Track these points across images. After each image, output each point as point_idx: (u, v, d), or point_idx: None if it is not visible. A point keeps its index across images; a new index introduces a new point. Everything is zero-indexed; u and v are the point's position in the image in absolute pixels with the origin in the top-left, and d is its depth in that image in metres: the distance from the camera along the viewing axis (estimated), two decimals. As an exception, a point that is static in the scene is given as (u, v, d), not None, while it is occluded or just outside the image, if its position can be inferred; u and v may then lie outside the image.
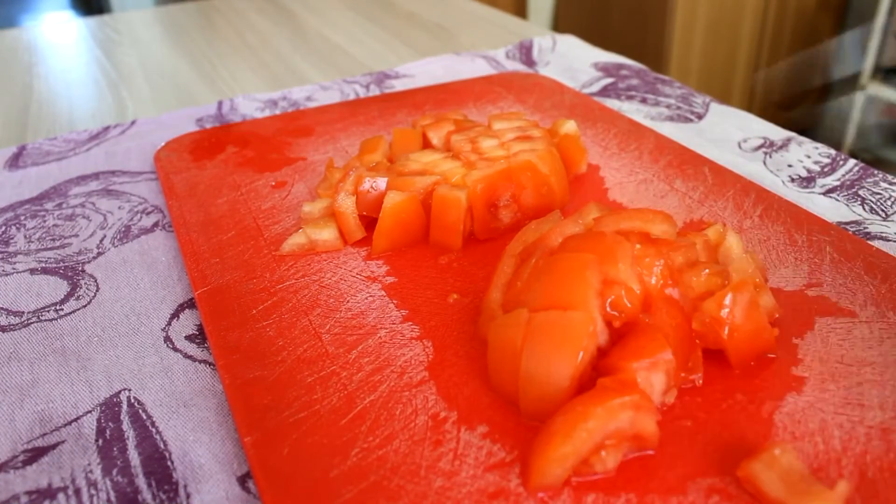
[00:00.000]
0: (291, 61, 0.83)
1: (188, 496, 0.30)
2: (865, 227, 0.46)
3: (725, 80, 1.80)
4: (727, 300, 0.32)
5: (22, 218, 0.51)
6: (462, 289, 0.41)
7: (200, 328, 0.40)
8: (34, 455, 0.33)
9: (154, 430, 0.34)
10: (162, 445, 0.33)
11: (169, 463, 0.32)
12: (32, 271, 0.45)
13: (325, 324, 0.38)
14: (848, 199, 0.49)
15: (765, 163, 0.55)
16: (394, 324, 0.38)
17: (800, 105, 1.95)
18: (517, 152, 0.46)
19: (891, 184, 0.50)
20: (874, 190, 0.50)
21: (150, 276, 0.45)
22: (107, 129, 0.66)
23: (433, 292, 0.40)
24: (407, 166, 0.47)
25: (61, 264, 0.46)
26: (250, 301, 0.40)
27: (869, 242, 0.42)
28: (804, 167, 0.54)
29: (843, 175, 0.52)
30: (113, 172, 0.58)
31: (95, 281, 0.44)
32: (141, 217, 0.51)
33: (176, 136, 0.60)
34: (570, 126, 0.53)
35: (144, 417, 0.34)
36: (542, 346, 0.31)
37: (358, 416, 0.32)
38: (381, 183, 0.45)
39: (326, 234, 0.44)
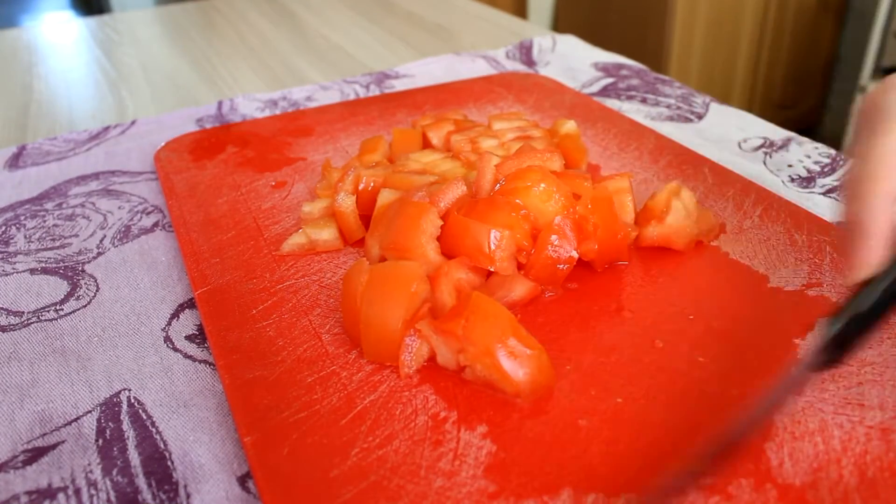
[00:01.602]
0: (291, 61, 0.83)
1: (188, 496, 0.30)
2: (865, 227, 0.46)
3: (725, 80, 1.80)
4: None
5: (22, 218, 0.51)
6: (462, 289, 0.41)
7: (200, 328, 0.40)
8: (34, 455, 0.33)
9: (154, 430, 0.34)
10: (162, 445, 0.33)
11: (169, 463, 0.32)
12: (32, 271, 0.45)
13: (325, 324, 0.38)
14: (848, 199, 0.49)
15: (765, 163, 0.55)
16: (394, 324, 0.38)
17: (800, 105, 1.95)
18: (517, 152, 0.46)
19: (891, 184, 0.50)
20: (874, 190, 0.50)
21: (150, 276, 0.45)
22: (107, 129, 0.66)
23: (433, 292, 0.40)
24: (407, 166, 0.47)
25: (61, 264, 0.46)
26: (250, 301, 0.40)
27: (869, 242, 0.42)
28: (804, 167, 0.54)
29: (843, 175, 0.52)
30: (113, 172, 0.58)
31: (95, 281, 0.44)
32: (141, 217, 0.51)
33: (176, 136, 0.60)
34: (570, 126, 0.53)
35: (144, 417, 0.34)
36: (377, 293, 0.35)
37: (358, 416, 0.32)
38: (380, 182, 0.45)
39: (326, 234, 0.44)
